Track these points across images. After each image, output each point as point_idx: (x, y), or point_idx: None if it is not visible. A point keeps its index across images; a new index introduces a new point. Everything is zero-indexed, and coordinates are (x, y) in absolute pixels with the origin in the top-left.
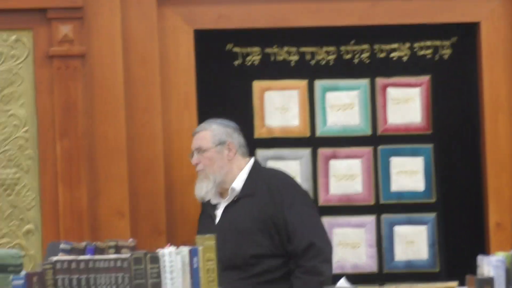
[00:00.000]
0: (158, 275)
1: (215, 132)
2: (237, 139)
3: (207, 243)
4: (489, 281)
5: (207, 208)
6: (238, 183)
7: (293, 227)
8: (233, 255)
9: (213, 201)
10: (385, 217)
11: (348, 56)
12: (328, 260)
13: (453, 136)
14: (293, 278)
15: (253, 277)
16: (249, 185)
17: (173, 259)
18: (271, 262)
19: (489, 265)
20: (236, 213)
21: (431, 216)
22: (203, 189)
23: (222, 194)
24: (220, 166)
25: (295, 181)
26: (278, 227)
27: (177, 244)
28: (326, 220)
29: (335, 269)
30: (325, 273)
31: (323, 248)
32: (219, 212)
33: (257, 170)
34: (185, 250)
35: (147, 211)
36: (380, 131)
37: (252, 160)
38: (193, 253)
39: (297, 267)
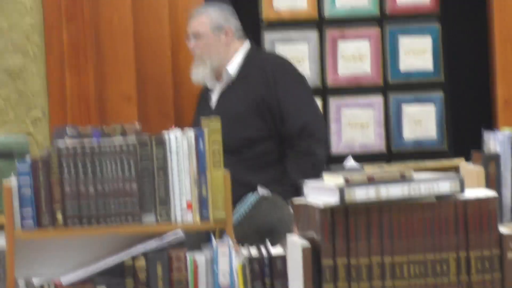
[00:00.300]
0: (164, 158)
1: (212, 17)
2: (233, 23)
3: (213, 126)
4: (495, 157)
5: (205, 92)
6: (233, 67)
7: (286, 107)
8: (227, 139)
9: (210, 85)
10: (393, 96)
11: None
12: (322, 140)
13: (461, 13)
14: (286, 160)
15: (247, 160)
16: (244, 68)
17: (179, 141)
18: (265, 145)
19: (495, 141)
20: (231, 97)
21: (439, 95)
22: (200, 74)
23: (218, 78)
24: (217, 51)
25: (291, 64)
26: (271, 108)
27: (185, 128)
28: (334, 101)
29: (344, 149)
30: (319, 153)
31: (317, 128)
32: (215, 96)
33: (253, 54)
34: (191, 132)
35: (154, 95)
36: (388, 11)
37: (247, 43)
38: (199, 136)
39: (291, 148)
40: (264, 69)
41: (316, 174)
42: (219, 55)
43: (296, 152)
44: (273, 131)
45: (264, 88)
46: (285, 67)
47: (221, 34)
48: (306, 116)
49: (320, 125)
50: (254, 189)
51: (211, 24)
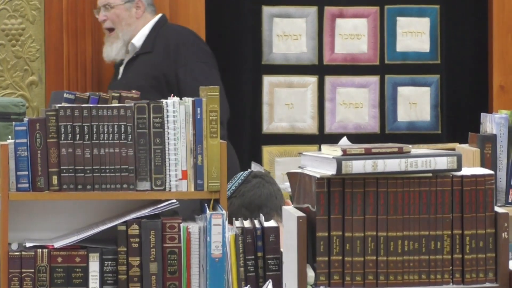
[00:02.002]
0: (161, 125)
1: None
2: None
3: (211, 94)
4: (492, 138)
5: (117, 65)
6: (138, 39)
7: (185, 85)
8: None
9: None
10: (389, 77)
11: None
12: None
13: None
14: None
15: None
16: (148, 41)
17: (176, 109)
18: None
19: (492, 123)
20: (133, 70)
21: (435, 77)
22: (113, 50)
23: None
24: (128, 24)
25: (199, 39)
26: (171, 85)
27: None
28: (330, 80)
29: (338, 129)
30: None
31: None
32: (121, 68)
33: (160, 27)
34: (188, 100)
35: None
36: None
37: (158, 16)
38: (196, 104)
39: None
40: (167, 42)
41: None
42: (130, 27)
43: None
44: None
45: (165, 64)
46: (191, 43)
47: (133, 7)
48: None
49: (220, 106)
50: None
51: None
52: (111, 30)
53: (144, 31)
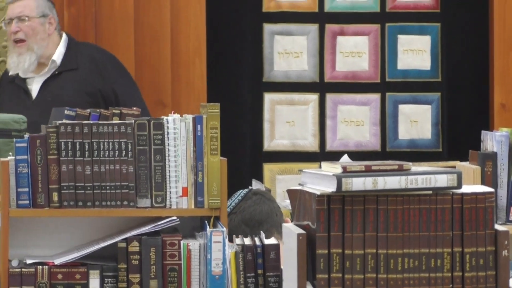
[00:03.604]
0: (162, 142)
1: (39, 3)
2: (56, 15)
3: (212, 111)
4: (492, 156)
5: (9, 83)
6: (58, 56)
7: (123, 98)
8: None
9: (24, 74)
10: (390, 95)
11: None
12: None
13: (461, 14)
14: None
15: None
16: (70, 58)
17: (177, 126)
18: None
19: (492, 140)
20: (60, 87)
21: (436, 95)
22: (26, 62)
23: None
24: (42, 38)
25: (112, 54)
26: (108, 100)
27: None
28: (331, 97)
29: (339, 147)
30: None
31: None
32: (35, 87)
33: (75, 44)
34: (189, 117)
35: (152, 82)
36: (388, 8)
37: (65, 35)
38: (197, 121)
39: None
40: (93, 60)
41: None
42: (43, 42)
43: None
44: None
45: (99, 80)
46: (114, 59)
47: (46, 23)
48: (142, 106)
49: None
50: None
51: (37, 9)
52: (20, 41)
53: (60, 49)
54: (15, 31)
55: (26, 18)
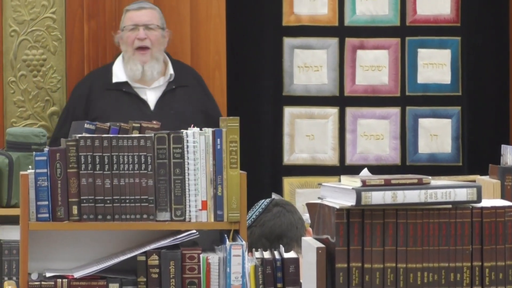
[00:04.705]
0: (181, 155)
1: (161, 15)
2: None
3: (231, 124)
4: None
5: (107, 90)
6: (172, 71)
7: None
8: None
9: (137, 84)
10: (410, 109)
11: None
12: None
13: (482, 28)
14: None
15: None
16: (179, 74)
17: (196, 139)
18: None
19: None
20: (177, 101)
21: (457, 109)
22: (155, 70)
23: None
24: (161, 50)
25: None
26: (214, 120)
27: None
28: (351, 111)
29: (358, 161)
30: None
31: None
32: (151, 98)
33: (176, 61)
34: (208, 131)
35: None
36: (408, 22)
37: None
38: (217, 134)
39: None
40: (196, 79)
41: None
42: (161, 54)
43: None
44: None
45: (205, 99)
46: (200, 76)
47: (165, 35)
48: None
49: None
50: None
51: (161, 21)
52: (145, 49)
53: (171, 64)
54: (143, 37)
55: (154, 27)
